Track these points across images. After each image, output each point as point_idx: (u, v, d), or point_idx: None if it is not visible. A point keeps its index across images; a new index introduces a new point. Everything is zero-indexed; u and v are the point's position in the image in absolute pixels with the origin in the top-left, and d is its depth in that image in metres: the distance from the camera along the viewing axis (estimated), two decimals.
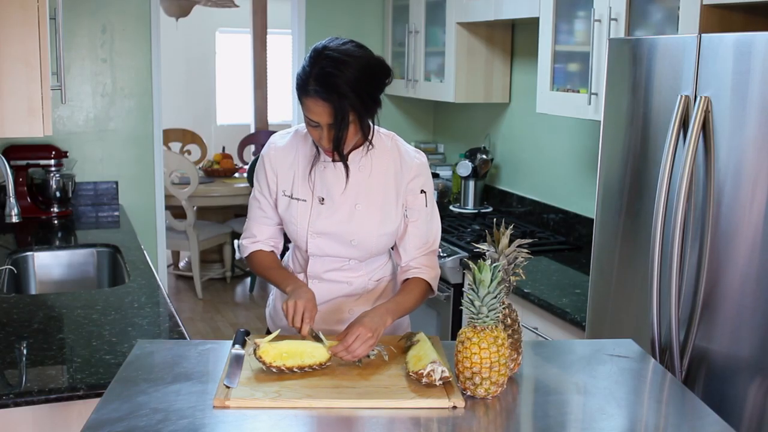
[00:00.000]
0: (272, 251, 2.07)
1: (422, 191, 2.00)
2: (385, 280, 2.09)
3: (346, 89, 1.75)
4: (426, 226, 2.02)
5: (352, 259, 2.01)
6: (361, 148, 1.94)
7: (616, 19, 2.67)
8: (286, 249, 2.16)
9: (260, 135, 7.10)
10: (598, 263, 2.35)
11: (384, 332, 1.83)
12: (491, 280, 1.51)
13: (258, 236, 2.05)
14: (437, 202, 4.68)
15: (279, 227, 2.06)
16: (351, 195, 1.95)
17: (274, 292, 2.18)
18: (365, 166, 1.96)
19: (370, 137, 1.90)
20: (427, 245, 2.03)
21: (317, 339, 1.72)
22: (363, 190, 1.96)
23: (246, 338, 1.77)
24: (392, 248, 2.07)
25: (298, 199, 1.97)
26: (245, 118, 8.69)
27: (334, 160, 1.93)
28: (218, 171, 6.00)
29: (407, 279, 2.00)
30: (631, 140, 2.18)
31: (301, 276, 2.05)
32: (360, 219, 1.95)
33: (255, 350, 1.62)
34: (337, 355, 1.66)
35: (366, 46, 1.86)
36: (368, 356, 1.66)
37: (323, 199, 1.96)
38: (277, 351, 1.63)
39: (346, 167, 1.92)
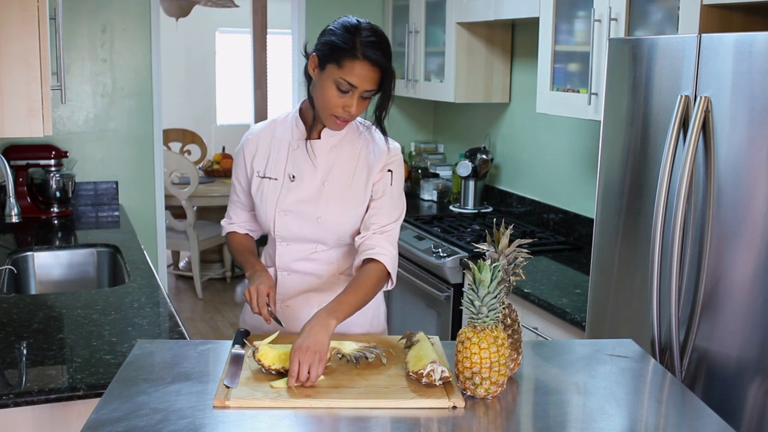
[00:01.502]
0: (247, 233, 2.17)
1: (389, 170, 2.02)
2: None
3: (389, 59, 1.86)
4: (389, 205, 1.99)
5: (319, 244, 2.01)
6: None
7: (616, 19, 2.67)
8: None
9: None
10: (598, 263, 2.35)
11: (356, 332, 1.92)
12: (491, 280, 1.51)
13: (234, 219, 2.16)
14: (437, 203, 4.68)
15: (252, 213, 2.13)
16: (320, 173, 1.99)
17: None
18: (337, 147, 2.00)
19: (385, 110, 1.95)
20: (389, 226, 1.98)
21: (277, 321, 1.83)
22: (333, 170, 1.99)
23: (245, 339, 1.77)
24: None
25: (269, 178, 2.02)
26: (245, 118, 8.69)
27: (309, 138, 1.99)
28: (218, 171, 6.00)
29: (363, 263, 1.93)
30: (631, 140, 2.18)
31: (270, 270, 2.07)
32: (327, 197, 1.98)
33: (254, 353, 1.62)
34: (296, 386, 1.58)
35: None
36: (366, 358, 1.65)
37: (294, 176, 2.00)
38: (276, 353, 1.63)
39: (384, 132, 1.99)
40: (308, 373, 1.57)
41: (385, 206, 1.99)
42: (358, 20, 1.88)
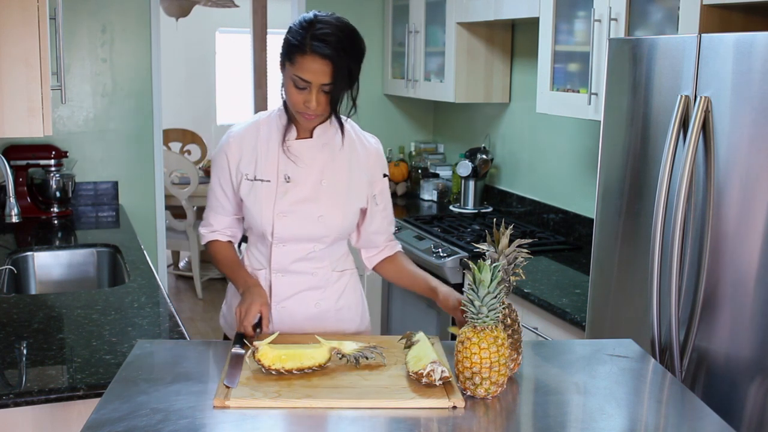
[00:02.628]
0: (229, 241, 2.09)
1: (384, 175, 2.09)
2: (348, 272, 2.11)
3: (344, 50, 1.82)
4: (389, 207, 2.14)
5: (317, 244, 2.01)
6: (326, 123, 1.98)
7: (616, 19, 2.67)
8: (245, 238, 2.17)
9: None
10: (598, 263, 2.35)
11: (346, 332, 2.03)
12: (491, 280, 1.51)
13: (215, 226, 2.08)
14: (437, 203, 4.68)
15: (236, 217, 2.08)
16: (316, 172, 1.98)
17: (228, 293, 2.17)
18: (329, 143, 1.99)
19: (338, 101, 1.92)
20: (391, 226, 2.15)
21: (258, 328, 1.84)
22: (328, 168, 1.99)
23: (245, 339, 1.77)
24: (356, 246, 2.14)
25: (262, 180, 1.98)
26: (245, 118, 8.67)
27: (300, 138, 1.98)
28: None
29: (390, 256, 2.14)
30: (631, 140, 2.18)
31: (263, 272, 2.03)
32: (326, 195, 1.98)
33: (254, 353, 1.61)
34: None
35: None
36: (367, 358, 1.65)
37: (289, 177, 1.98)
38: (276, 353, 1.63)
39: (341, 124, 1.99)
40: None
41: (389, 209, 2.13)
42: (316, 14, 1.86)
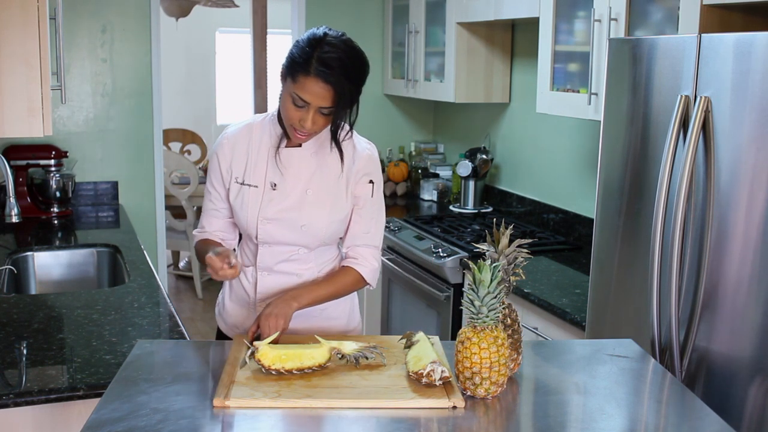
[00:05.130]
0: (220, 242, 2.07)
1: (370, 181, 2.03)
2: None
3: (348, 76, 1.80)
4: (370, 216, 2.04)
5: (301, 248, 2.01)
6: (319, 134, 1.96)
7: (616, 19, 2.67)
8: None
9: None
10: (598, 263, 2.35)
11: (334, 332, 1.98)
12: (491, 280, 1.51)
13: (207, 228, 2.08)
14: (437, 203, 4.68)
15: (229, 220, 2.08)
16: (302, 181, 1.98)
17: (223, 290, 2.18)
18: (318, 152, 1.98)
19: (339, 127, 1.92)
20: (368, 236, 2.04)
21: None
22: (315, 177, 1.98)
23: (246, 340, 1.77)
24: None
25: (249, 185, 1.99)
26: (245, 118, 8.67)
27: (288, 146, 1.97)
28: None
29: (341, 267, 2.05)
30: (631, 140, 2.18)
31: (250, 269, 2.06)
32: (310, 205, 1.98)
33: (253, 353, 1.61)
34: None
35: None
36: (367, 358, 1.65)
37: (275, 184, 1.98)
38: (276, 353, 1.63)
39: (341, 152, 1.97)
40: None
41: (365, 217, 2.04)
42: (326, 32, 1.83)
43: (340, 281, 2.01)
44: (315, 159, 1.99)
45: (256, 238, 2.00)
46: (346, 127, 1.95)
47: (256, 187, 1.99)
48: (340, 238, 2.08)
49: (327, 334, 1.84)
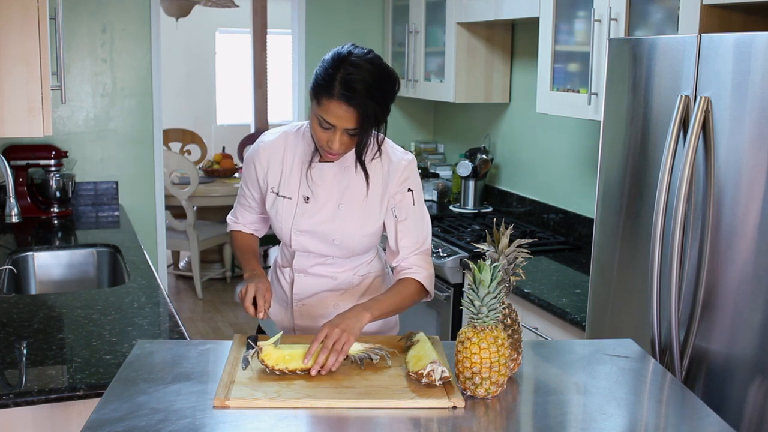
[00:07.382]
0: (252, 234, 2.18)
1: (409, 189, 2.00)
2: (371, 276, 2.10)
3: (372, 97, 1.76)
4: (415, 225, 2.01)
5: (335, 257, 2.03)
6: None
7: (616, 19, 2.67)
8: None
9: (260, 135, 7.09)
10: (598, 263, 2.35)
11: (369, 331, 1.87)
12: (491, 280, 1.51)
13: (240, 220, 2.17)
14: (437, 203, 4.68)
15: (261, 216, 2.15)
16: (334, 196, 1.98)
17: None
18: (351, 167, 1.97)
19: (371, 144, 1.89)
20: (418, 244, 2.01)
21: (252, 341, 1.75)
22: (347, 191, 1.97)
23: (248, 339, 1.77)
24: (384, 250, 2.10)
25: (284, 197, 2.00)
26: (245, 118, 8.69)
27: (321, 161, 1.96)
28: (218, 171, 6.00)
29: (399, 280, 2.00)
30: (631, 140, 2.18)
31: (287, 270, 2.09)
32: (342, 219, 1.97)
33: (258, 353, 1.61)
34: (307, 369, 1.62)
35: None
36: (371, 359, 1.65)
37: (308, 198, 1.99)
38: (280, 354, 1.63)
39: (366, 173, 1.93)
40: (329, 355, 1.63)
41: (411, 228, 2.00)
42: (350, 51, 1.80)
43: (402, 292, 1.95)
44: (347, 174, 1.97)
45: (291, 246, 2.03)
46: (375, 146, 1.92)
47: (290, 199, 2.00)
48: (383, 247, 2.09)
49: (364, 336, 1.83)
